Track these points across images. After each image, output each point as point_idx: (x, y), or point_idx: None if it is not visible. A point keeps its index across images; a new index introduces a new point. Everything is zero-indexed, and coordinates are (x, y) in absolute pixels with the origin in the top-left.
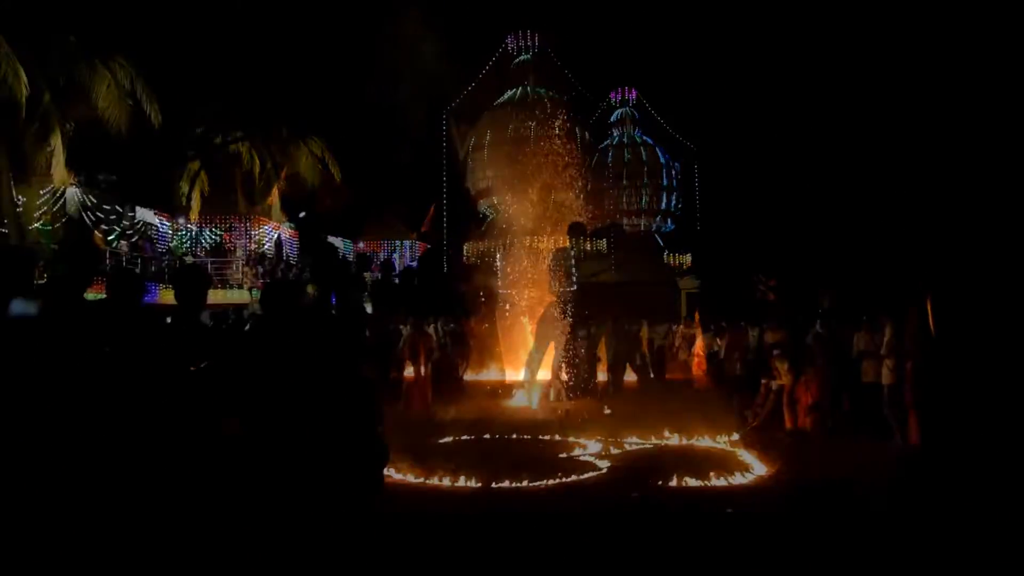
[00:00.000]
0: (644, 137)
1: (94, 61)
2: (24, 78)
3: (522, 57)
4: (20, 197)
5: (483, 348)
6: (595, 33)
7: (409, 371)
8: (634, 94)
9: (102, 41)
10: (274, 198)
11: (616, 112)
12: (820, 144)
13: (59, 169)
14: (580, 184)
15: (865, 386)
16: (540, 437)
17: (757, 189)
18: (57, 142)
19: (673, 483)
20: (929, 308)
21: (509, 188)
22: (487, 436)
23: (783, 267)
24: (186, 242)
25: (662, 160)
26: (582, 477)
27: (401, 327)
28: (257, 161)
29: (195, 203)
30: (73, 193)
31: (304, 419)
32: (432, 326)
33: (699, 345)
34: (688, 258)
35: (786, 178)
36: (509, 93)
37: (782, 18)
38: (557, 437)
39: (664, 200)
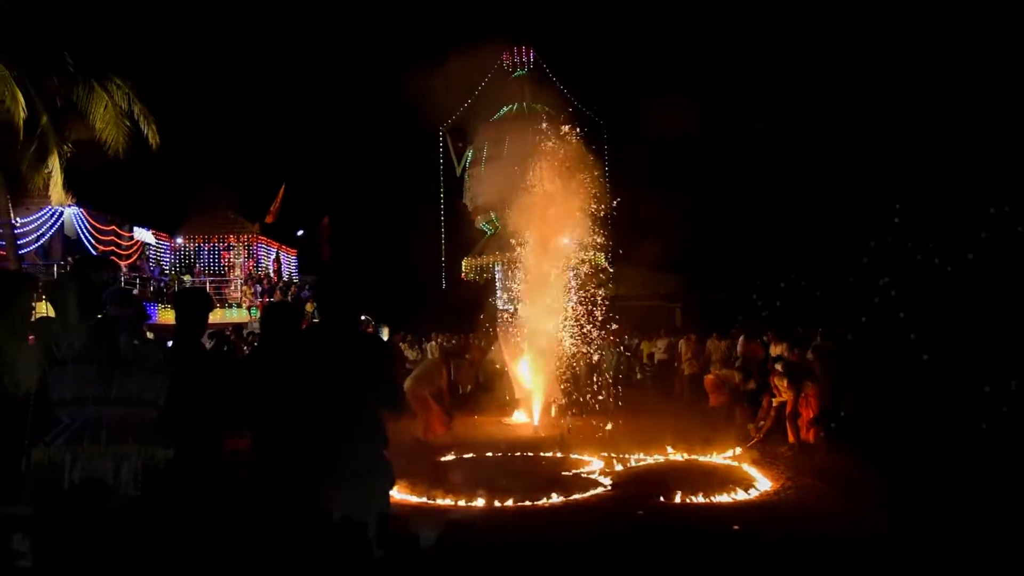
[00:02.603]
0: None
1: (91, 82)
2: (22, 100)
3: (518, 72)
4: (17, 219)
5: (482, 366)
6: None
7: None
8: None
9: (98, 61)
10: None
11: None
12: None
13: (57, 190)
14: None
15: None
16: (542, 454)
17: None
18: (55, 164)
19: (677, 500)
20: None
21: (508, 203)
22: (489, 454)
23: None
24: (173, 265)
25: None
26: (586, 495)
27: (401, 344)
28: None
29: None
30: (71, 214)
31: (313, 440)
32: (431, 343)
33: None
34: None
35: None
36: (506, 108)
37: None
38: (559, 454)
39: None
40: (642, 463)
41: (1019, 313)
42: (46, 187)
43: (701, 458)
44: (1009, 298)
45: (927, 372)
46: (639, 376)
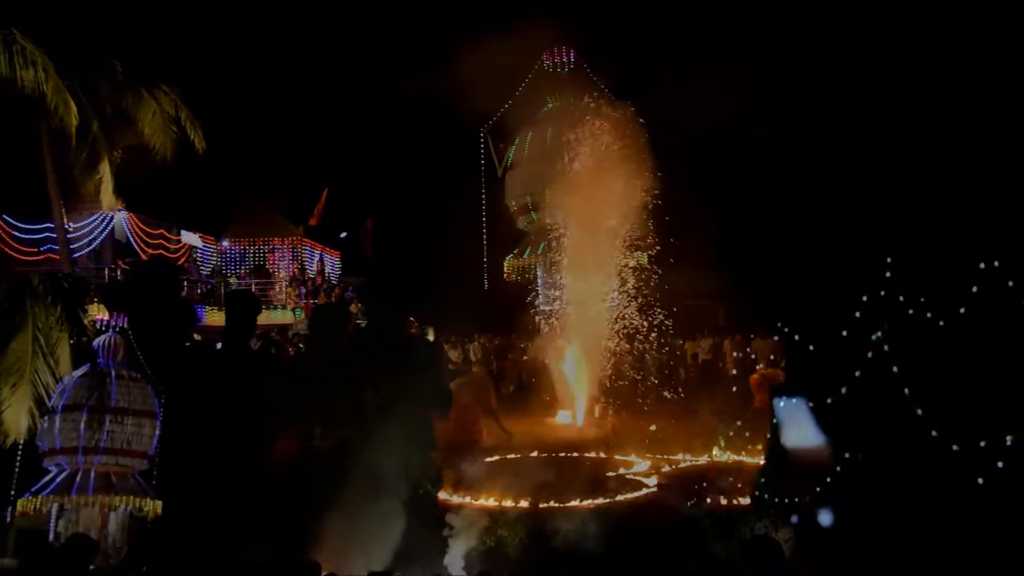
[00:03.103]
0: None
1: (140, 89)
2: (74, 108)
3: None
4: (70, 224)
5: (525, 366)
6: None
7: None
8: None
9: (147, 69)
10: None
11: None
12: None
13: (107, 195)
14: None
15: None
16: (587, 455)
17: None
18: (105, 169)
19: (724, 501)
20: None
21: (552, 201)
22: (534, 454)
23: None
24: (219, 268)
25: None
26: (631, 496)
27: (444, 345)
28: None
29: None
30: (121, 218)
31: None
32: (474, 344)
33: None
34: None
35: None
36: (548, 106)
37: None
38: (604, 455)
39: None
40: (688, 464)
41: (1013, 367)
42: (97, 192)
43: (747, 459)
44: (1002, 352)
45: (922, 426)
46: (683, 376)
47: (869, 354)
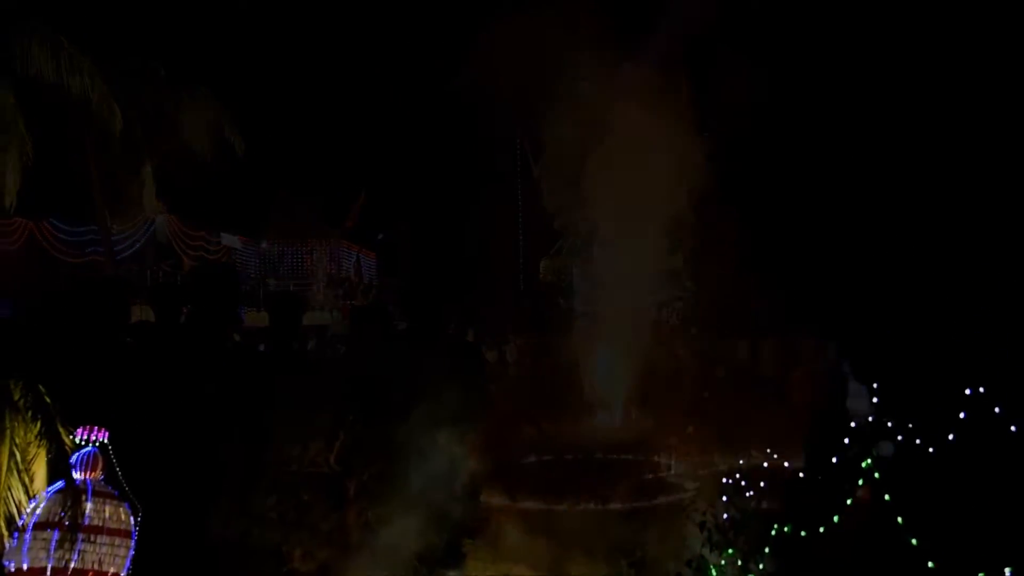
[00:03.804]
0: None
1: (181, 94)
2: (119, 114)
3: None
4: (114, 226)
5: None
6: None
7: None
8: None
9: (188, 73)
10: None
11: None
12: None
13: (149, 198)
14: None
15: None
16: (624, 457)
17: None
18: (147, 173)
19: (764, 505)
20: None
21: (589, 201)
22: (570, 456)
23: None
24: (258, 269)
25: None
26: (669, 499)
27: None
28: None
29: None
30: (162, 221)
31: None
32: (510, 344)
33: None
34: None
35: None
36: (582, 104)
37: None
38: (641, 457)
39: None
40: (725, 466)
41: (1006, 494)
42: (140, 195)
43: (786, 462)
44: (995, 479)
45: (918, 557)
46: (720, 376)
47: (860, 482)
